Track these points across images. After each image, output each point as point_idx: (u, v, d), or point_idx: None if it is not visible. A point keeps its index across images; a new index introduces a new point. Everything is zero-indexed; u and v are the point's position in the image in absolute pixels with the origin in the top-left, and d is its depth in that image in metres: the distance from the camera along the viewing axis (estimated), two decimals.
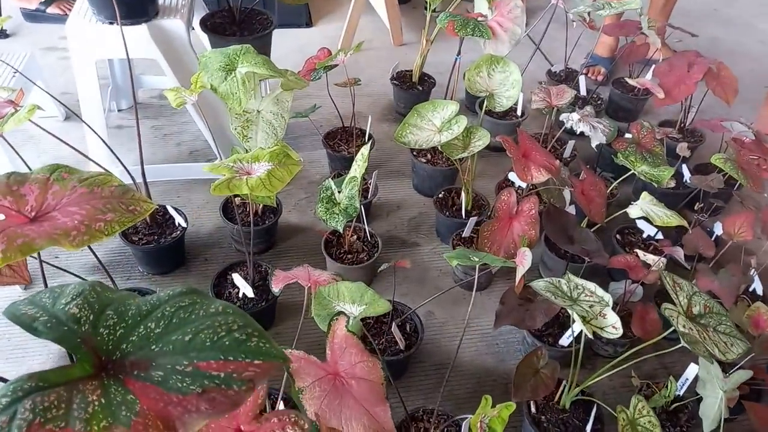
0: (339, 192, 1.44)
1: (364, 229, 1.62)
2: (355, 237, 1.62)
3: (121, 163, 1.47)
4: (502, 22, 1.68)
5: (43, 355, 1.42)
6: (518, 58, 2.05)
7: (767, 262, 1.71)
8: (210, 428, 0.78)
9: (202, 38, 1.98)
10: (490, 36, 1.64)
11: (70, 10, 2.63)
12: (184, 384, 0.61)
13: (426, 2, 2.02)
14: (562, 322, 1.45)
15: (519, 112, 2.11)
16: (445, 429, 1.18)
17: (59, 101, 1.48)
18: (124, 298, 0.68)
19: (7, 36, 2.62)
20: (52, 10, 2.64)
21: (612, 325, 1.04)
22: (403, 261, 1.34)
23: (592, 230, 1.47)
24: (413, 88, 2.26)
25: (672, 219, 1.39)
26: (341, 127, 2.01)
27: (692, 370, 1.25)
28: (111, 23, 1.59)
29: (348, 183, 1.41)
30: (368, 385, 0.96)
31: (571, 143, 1.91)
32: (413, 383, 1.42)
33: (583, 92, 2.22)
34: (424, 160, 1.89)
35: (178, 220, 1.59)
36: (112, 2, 1.41)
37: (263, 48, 1.89)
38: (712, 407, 1.17)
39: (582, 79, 2.19)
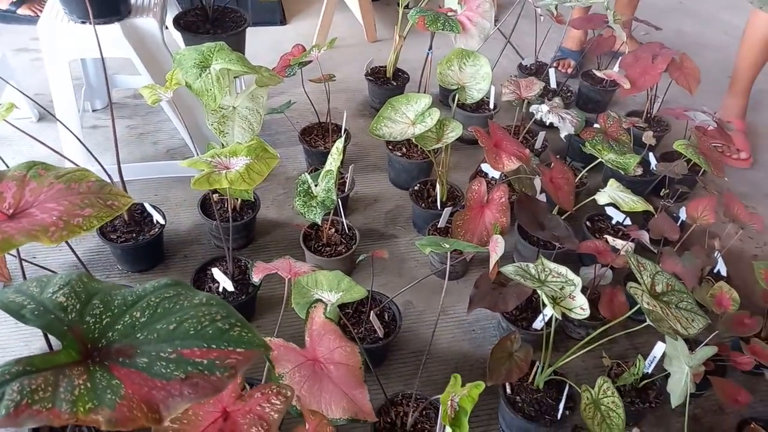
0: (316, 185, 1.47)
1: (342, 222, 1.65)
2: (333, 230, 1.65)
3: (98, 162, 1.48)
4: (471, 17, 1.71)
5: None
6: (490, 52, 2.09)
7: (730, 245, 1.79)
8: (197, 414, 0.80)
9: (176, 37, 1.99)
10: (460, 30, 1.68)
11: (41, 11, 2.61)
12: (168, 370, 0.64)
13: None
14: (535, 306, 1.50)
15: (491, 105, 2.15)
16: (423, 411, 1.22)
17: (35, 101, 1.48)
18: (110, 289, 0.70)
19: None
20: (22, 11, 2.61)
21: (580, 307, 1.09)
22: (381, 251, 1.38)
23: (562, 218, 1.52)
24: (388, 84, 2.29)
25: (638, 204, 1.44)
26: (317, 123, 2.04)
27: (659, 348, 1.31)
28: (83, 22, 1.59)
29: (324, 176, 1.44)
30: (346, 369, 0.99)
31: (541, 134, 1.96)
32: (393, 370, 1.45)
33: (553, 85, 2.27)
34: (400, 154, 1.92)
35: (156, 217, 1.60)
36: (84, 1, 1.41)
37: (237, 46, 1.90)
38: (679, 382, 1.22)
39: (552, 72, 2.24)
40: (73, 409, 0.56)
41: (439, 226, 1.68)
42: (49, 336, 1.11)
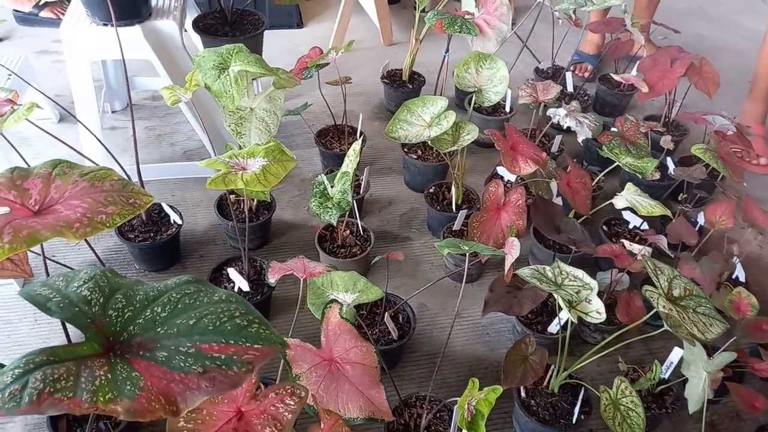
0: (332, 187, 1.47)
1: (357, 224, 1.66)
2: (348, 232, 1.66)
3: (117, 162, 1.50)
4: (488, 20, 1.72)
5: None
6: (507, 56, 2.09)
7: (749, 250, 1.77)
8: (212, 414, 0.81)
9: (195, 39, 2.02)
10: (477, 33, 1.68)
11: (63, 14, 2.66)
12: (187, 364, 0.65)
13: (415, 2, 2.06)
14: (551, 310, 1.49)
15: (508, 109, 2.15)
16: (437, 413, 1.22)
17: (55, 102, 1.50)
18: (132, 284, 0.71)
19: (0, 40, 2.64)
20: (45, 14, 2.66)
21: (596, 310, 1.08)
22: (396, 253, 1.38)
23: (579, 222, 1.51)
24: (403, 87, 2.30)
25: (655, 209, 1.43)
26: (333, 126, 2.05)
27: (676, 353, 1.29)
28: (105, 25, 1.62)
29: (340, 178, 1.45)
30: (363, 369, 1.00)
31: (558, 138, 1.95)
32: (407, 372, 1.45)
33: (570, 88, 2.26)
34: (415, 156, 1.93)
35: (174, 217, 1.61)
36: (107, 4, 1.44)
37: (255, 48, 1.92)
38: (697, 388, 1.21)
39: (568, 76, 2.24)
40: (93, 399, 0.57)
41: (454, 228, 1.68)
42: (72, 329, 1.13)
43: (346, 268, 1.57)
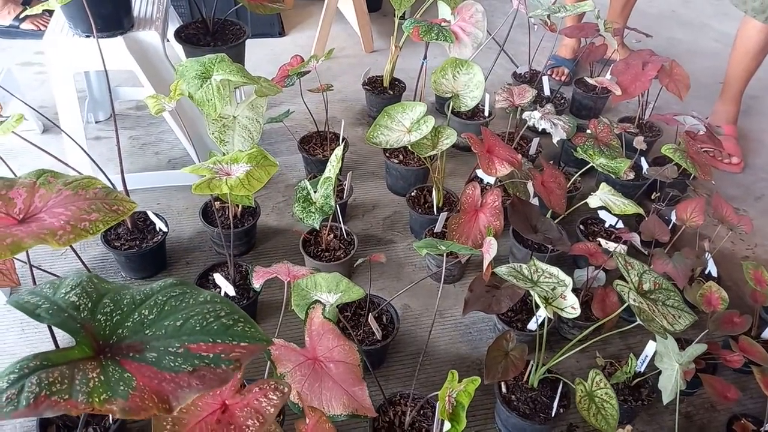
0: (314, 192, 1.51)
1: (341, 228, 1.69)
2: (331, 236, 1.69)
3: (102, 172, 1.52)
4: (464, 27, 1.76)
5: None
6: (486, 61, 2.13)
7: (722, 247, 1.82)
8: (197, 405, 0.83)
9: (177, 49, 2.04)
10: (453, 40, 1.72)
11: (45, 25, 2.67)
12: (177, 363, 0.67)
13: (395, 9, 2.10)
14: (530, 308, 1.53)
15: (486, 113, 2.20)
16: (421, 410, 1.25)
17: (40, 113, 1.52)
18: (119, 289, 0.74)
19: None
20: (26, 26, 2.67)
21: (571, 306, 1.12)
22: (378, 255, 1.41)
23: (556, 221, 1.56)
24: (385, 93, 2.34)
25: (628, 207, 1.48)
26: (316, 132, 2.08)
27: (651, 347, 1.34)
28: (88, 36, 1.64)
29: (323, 183, 1.48)
30: (346, 367, 1.03)
31: (535, 141, 2.00)
32: (392, 372, 1.48)
33: (547, 92, 2.32)
34: (397, 161, 1.97)
35: (159, 225, 1.63)
36: (88, 16, 1.46)
37: (237, 57, 1.95)
38: (670, 379, 1.25)
39: (545, 80, 2.29)
40: (89, 400, 0.60)
41: (435, 230, 1.71)
42: (60, 336, 1.15)
43: (331, 271, 1.60)
